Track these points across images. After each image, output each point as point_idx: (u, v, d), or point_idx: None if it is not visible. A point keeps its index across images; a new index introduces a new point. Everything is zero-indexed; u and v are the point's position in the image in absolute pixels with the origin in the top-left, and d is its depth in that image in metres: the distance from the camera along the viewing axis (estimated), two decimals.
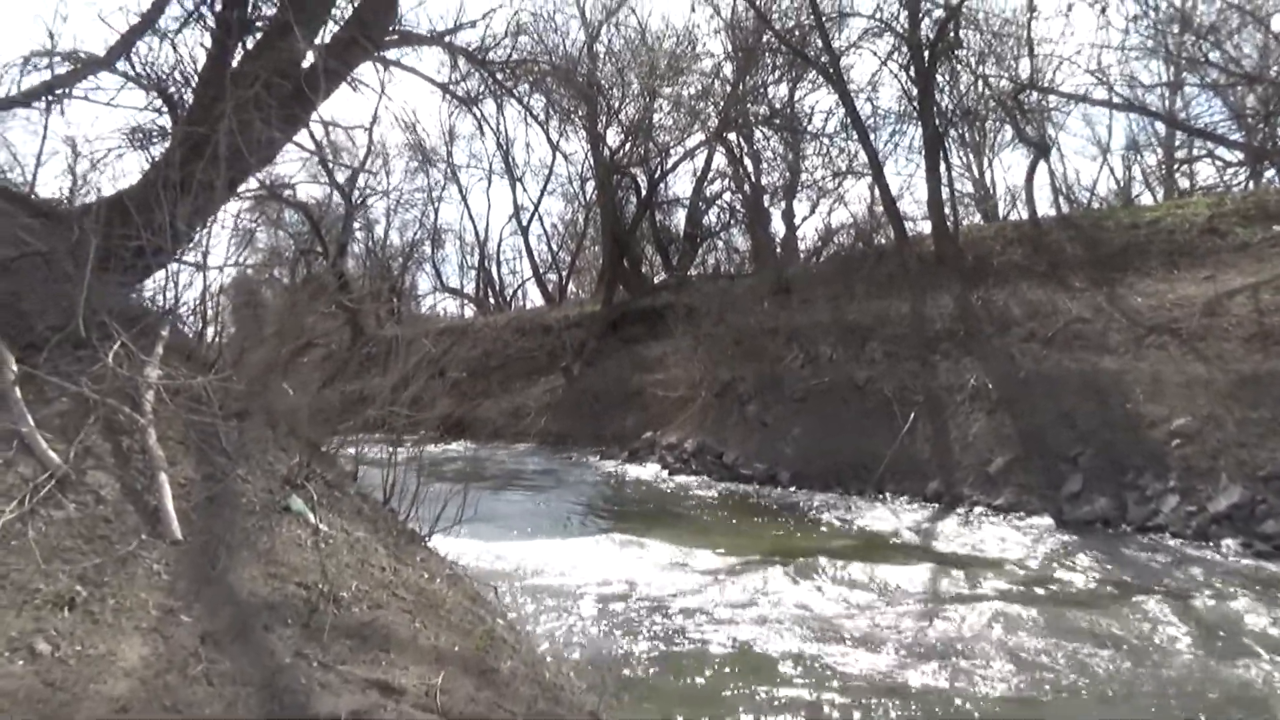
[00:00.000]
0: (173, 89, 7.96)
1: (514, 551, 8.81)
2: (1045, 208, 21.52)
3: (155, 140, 8.09)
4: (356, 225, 32.20)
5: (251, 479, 3.84)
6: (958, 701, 5.21)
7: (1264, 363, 10.35)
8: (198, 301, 5.39)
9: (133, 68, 7.76)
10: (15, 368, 3.45)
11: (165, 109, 7.99)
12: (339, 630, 3.01)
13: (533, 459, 18.34)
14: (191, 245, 5.77)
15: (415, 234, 35.72)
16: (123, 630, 2.56)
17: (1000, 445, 11.80)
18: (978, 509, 10.99)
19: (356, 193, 30.03)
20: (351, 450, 5.46)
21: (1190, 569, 8.05)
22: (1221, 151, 19.53)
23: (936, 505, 11.45)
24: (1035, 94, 17.58)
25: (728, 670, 5.72)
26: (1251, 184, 17.62)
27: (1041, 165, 18.44)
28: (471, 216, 48.53)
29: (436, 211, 48.12)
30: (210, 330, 5.74)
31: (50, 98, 6.95)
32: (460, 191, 45.79)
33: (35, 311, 4.14)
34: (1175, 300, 12.20)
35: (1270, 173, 17.50)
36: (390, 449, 5.69)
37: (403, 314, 33.12)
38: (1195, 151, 21.63)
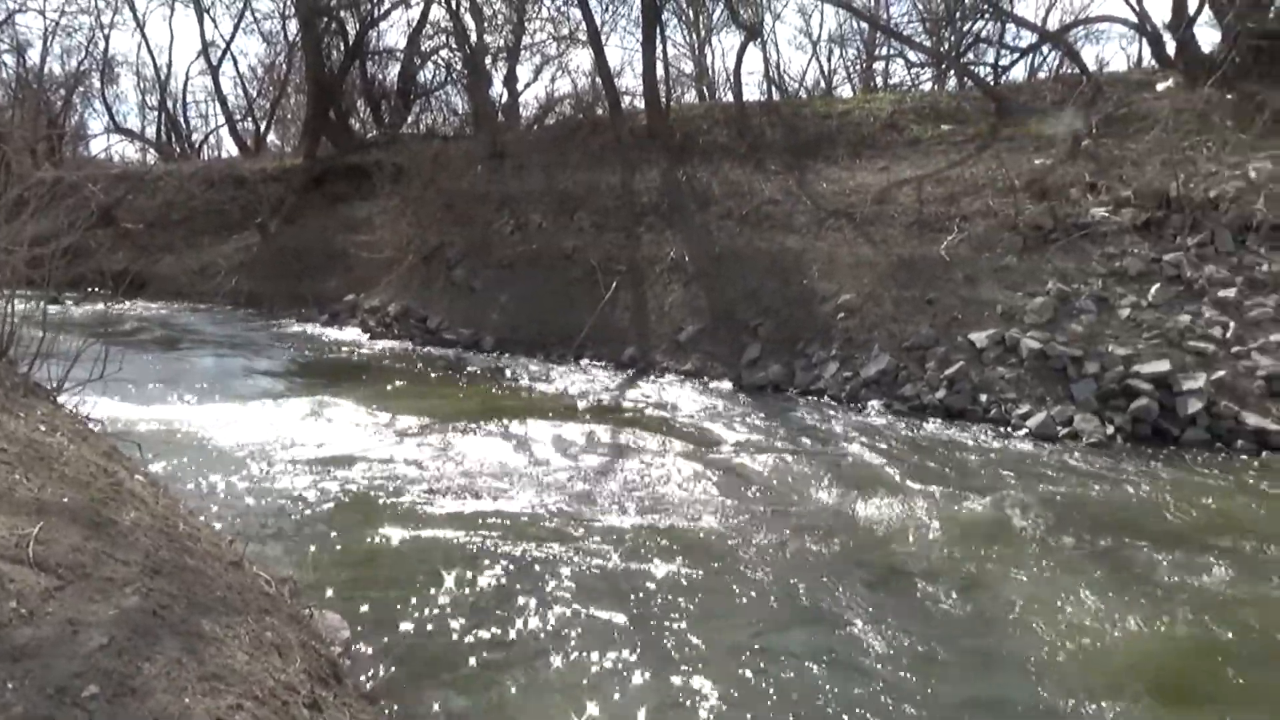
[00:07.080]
0: None
1: (179, 412, 8.08)
2: (756, 93, 22.44)
3: None
4: (3, 46, 27.08)
5: None
6: (601, 535, 5.44)
7: (919, 247, 11.54)
8: None
9: None
10: None
11: None
12: None
13: (219, 320, 16.88)
14: None
15: (81, 64, 30.76)
16: None
17: (692, 315, 12.38)
18: (668, 375, 11.54)
19: (2, 8, 25.14)
20: None
21: (838, 426, 8.96)
22: (911, 54, 21.30)
23: (631, 371, 11.87)
24: None
25: (389, 523, 5.60)
26: (936, 86, 19.39)
27: (755, 51, 19.06)
28: (150, 49, 42.49)
29: (107, 39, 41.66)
30: None
31: None
32: (136, 18, 39.81)
33: None
34: (854, 187, 13.25)
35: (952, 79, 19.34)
36: (8, 296, 4.91)
37: (65, 155, 28.68)
38: (890, 51, 23.45)
